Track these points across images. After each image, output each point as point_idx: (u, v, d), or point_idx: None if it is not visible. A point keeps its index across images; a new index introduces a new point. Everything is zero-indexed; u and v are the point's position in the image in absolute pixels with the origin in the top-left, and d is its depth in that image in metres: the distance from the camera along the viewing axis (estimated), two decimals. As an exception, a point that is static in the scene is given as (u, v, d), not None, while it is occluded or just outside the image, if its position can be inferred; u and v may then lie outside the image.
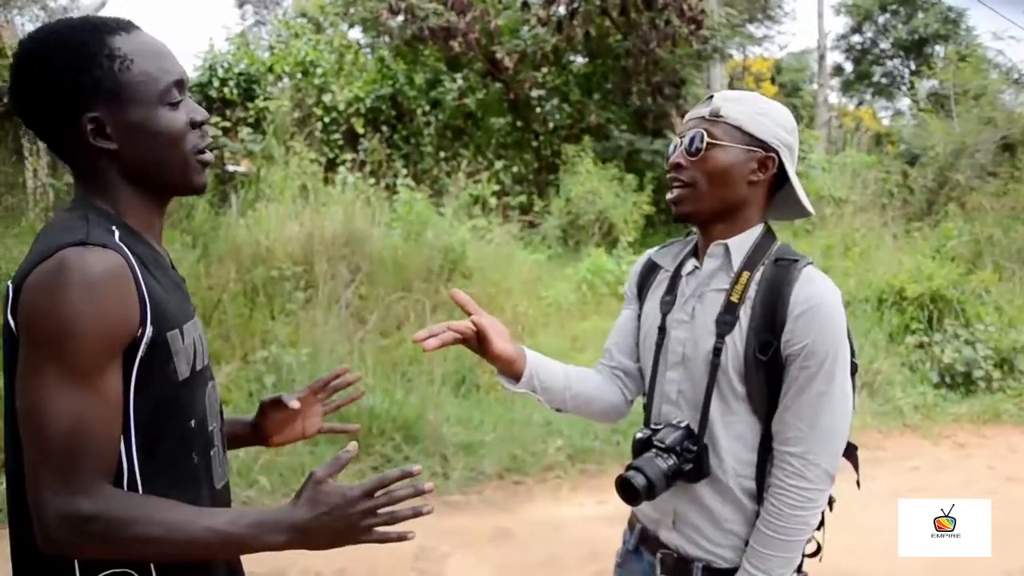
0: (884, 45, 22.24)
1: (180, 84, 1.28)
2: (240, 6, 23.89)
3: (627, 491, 1.60)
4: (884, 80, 22.88)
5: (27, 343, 1.14)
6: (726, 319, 1.62)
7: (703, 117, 1.65)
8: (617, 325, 1.93)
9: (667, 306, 1.74)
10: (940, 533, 1.58)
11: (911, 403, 6.53)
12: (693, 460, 1.61)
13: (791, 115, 1.71)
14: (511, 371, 1.69)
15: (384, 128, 10.58)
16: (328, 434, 1.78)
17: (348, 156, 9.91)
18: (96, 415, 1.13)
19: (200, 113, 1.32)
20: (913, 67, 20.97)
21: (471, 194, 9.30)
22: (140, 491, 1.21)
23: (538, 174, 11.20)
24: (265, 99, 9.84)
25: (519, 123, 11.28)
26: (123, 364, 1.18)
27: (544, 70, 11.04)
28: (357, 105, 10.29)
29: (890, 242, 9.30)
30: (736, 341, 1.60)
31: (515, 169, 10.81)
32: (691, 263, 1.74)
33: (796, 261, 1.60)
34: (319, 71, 10.47)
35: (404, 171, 9.72)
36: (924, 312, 7.37)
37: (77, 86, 1.21)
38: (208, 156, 1.34)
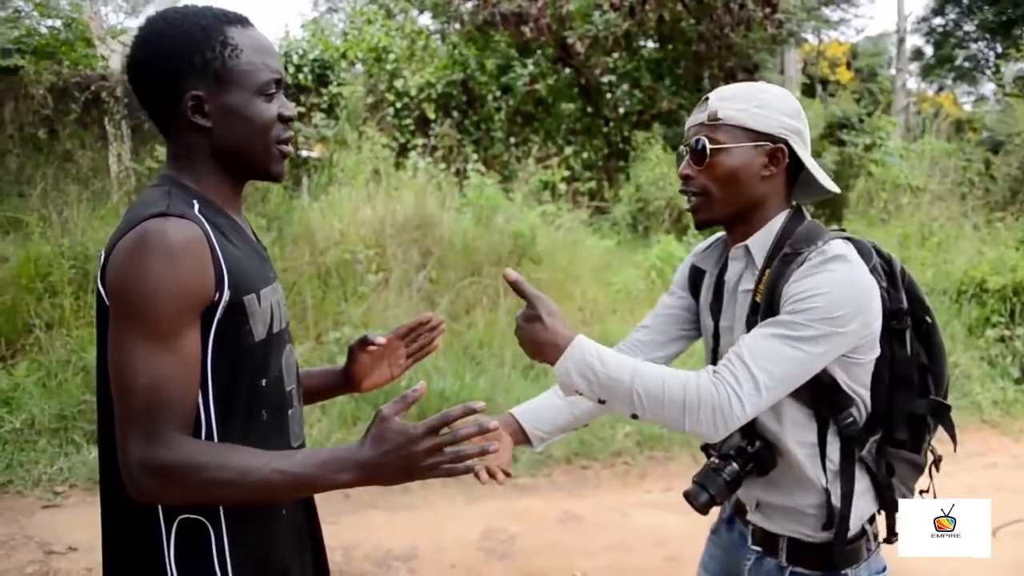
0: (968, 27, 21.45)
1: (278, 82, 1.39)
2: (313, -7, 24.22)
3: (694, 505, 1.63)
4: (967, 64, 22.09)
5: (114, 308, 1.24)
6: (752, 320, 1.60)
7: (702, 123, 1.62)
8: (657, 307, 1.92)
9: (716, 313, 1.74)
10: (940, 533, 1.56)
11: (990, 398, 6.35)
12: (753, 459, 1.62)
13: (793, 98, 1.67)
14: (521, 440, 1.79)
15: (455, 113, 10.64)
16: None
17: (419, 141, 10.00)
18: (174, 373, 1.22)
19: (290, 109, 1.41)
20: (999, 50, 20.19)
21: (541, 180, 9.30)
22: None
23: (608, 160, 11.14)
24: (338, 85, 9.97)
25: (589, 109, 11.22)
26: (202, 325, 1.26)
27: (615, 55, 10.95)
28: (428, 91, 10.36)
29: (970, 232, 9.02)
30: None
31: (585, 155, 10.77)
32: (731, 266, 1.72)
33: (800, 253, 1.54)
34: (391, 57, 10.56)
35: (474, 156, 9.77)
36: (1006, 305, 7.13)
37: (189, 64, 1.31)
38: (288, 148, 1.44)
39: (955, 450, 1.73)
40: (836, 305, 1.46)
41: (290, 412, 1.46)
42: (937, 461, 1.73)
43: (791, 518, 1.66)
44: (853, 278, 1.49)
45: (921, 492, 1.72)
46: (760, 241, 1.64)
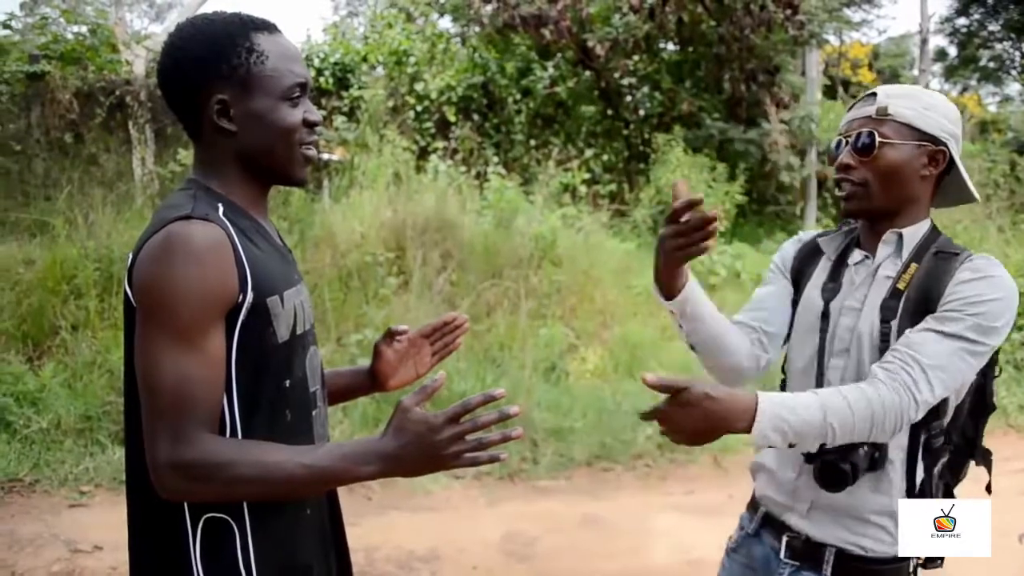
0: (993, 27, 21.21)
1: (303, 86, 1.40)
2: (334, -3, 24.36)
3: (832, 477, 1.57)
4: (992, 64, 21.84)
5: (140, 310, 1.26)
6: (890, 304, 1.61)
7: (870, 116, 1.64)
8: (761, 295, 1.88)
9: (830, 293, 1.73)
10: (940, 533, 1.54)
11: (1016, 403, 6.30)
12: (879, 447, 1.58)
13: (954, 106, 1.69)
14: (669, 287, 1.66)
15: (475, 116, 10.65)
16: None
17: (440, 144, 10.02)
18: (199, 373, 1.24)
19: (315, 114, 1.43)
20: (1025, 50, 19.97)
21: (561, 182, 9.30)
22: None
23: (628, 163, 11.11)
24: (359, 88, 10.03)
25: (609, 111, 11.20)
26: (226, 327, 1.28)
27: (635, 58, 10.93)
28: (449, 94, 10.38)
29: (995, 234, 8.93)
30: (894, 328, 1.60)
31: (605, 158, 10.75)
32: (858, 253, 1.73)
33: (957, 254, 1.59)
34: (411, 60, 10.59)
35: (495, 159, 9.78)
36: (1032, 308, 7.07)
37: (216, 69, 1.34)
38: (312, 152, 1.44)
39: (989, 494, 1.72)
40: (1000, 311, 1.52)
41: (314, 413, 1.47)
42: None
43: (845, 525, 1.63)
44: (1010, 284, 1.55)
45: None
46: (912, 234, 1.67)
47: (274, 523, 1.36)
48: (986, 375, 1.64)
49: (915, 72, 20.08)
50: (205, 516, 1.31)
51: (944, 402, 1.57)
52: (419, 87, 10.35)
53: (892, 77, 20.99)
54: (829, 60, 14.71)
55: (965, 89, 23.20)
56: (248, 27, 1.37)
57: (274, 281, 1.35)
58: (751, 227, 10.55)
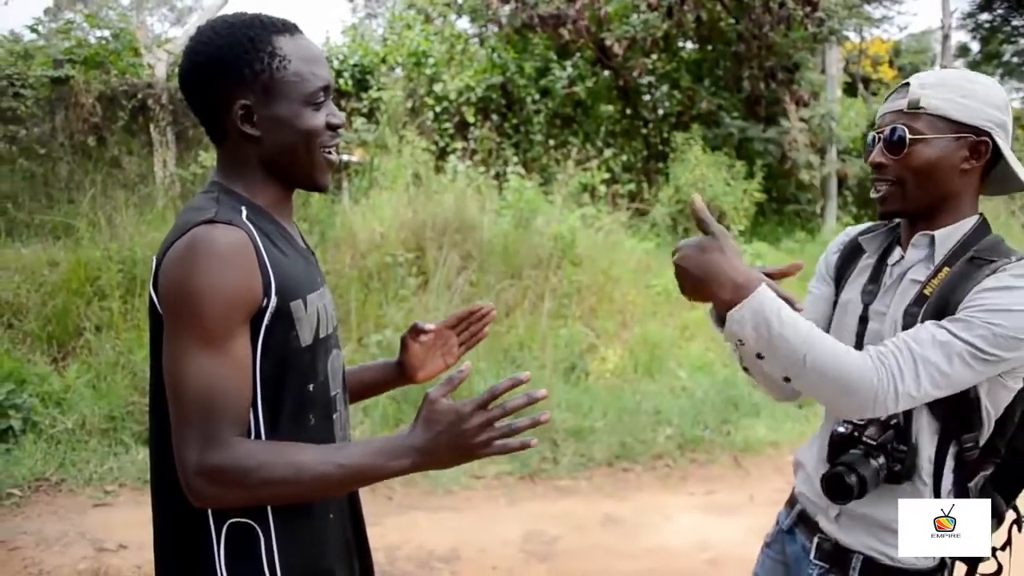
0: (1017, 22, 20.99)
1: (326, 89, 1.39)
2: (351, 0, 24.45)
3: (837, 489, 1.52)
4: (1016, 60, 21.61)
5: (166, 315, 1.26)
6: (912, 311, 1.52)
7: (901, 110, 1.54)
8: (810, 302, 1.80)
9: (869, 295, 1.65)
10: (940, 533, 1.52)
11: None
12: (902, 460, 1.53)
13: (1001, 89, 1.57)
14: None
15: (494, 117, 10.66)
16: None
17: (459, 145, 10.04)
18: (226, 376, 1.23)
19: (338, 117, 1.42)
20: (1050, 44, 19.75)
21: (580, 182, 9.29)
22: None
23: (647, 162, 11.09)
24: (378, 89, 10.06)
25: (628, 110, 11.18)
26: (251, 331, 1.28)
27: (654, 56, 10.91)
28: (468, 94, 10.40)
29: (1018, 231, 8.88)
30: None
31: (624, 157, 10.73)
32: (897, 252, 1.64)
33: (993, 261, 1.47)
34: (430, 61, 10.62)
35: (514, 159, 9.78)
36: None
37: (239, 75, 1.33)
38: (333, 157, 1.43)
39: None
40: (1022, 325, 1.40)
41: (335, 416, 1.47)
42: (1020, 520, 1.64)
43: (873, 533, 1.59)
44: None
45: (996, 550, 1.62)
46: (947, 235, 1.56)
47: (299, 527, 1.36)
48: None
49: (937, 68, 19.91)
50: (229, 521, 1.30)
51: (977, 413, 1.50)
52: (438, 88, 10.37)
53: (914, 74, 20.83)
54: (849, 57, 14.58)
55: (988, 85, 22.95)
56: (269, 30, 1.36)
57: (297, 285, 1.34)
58: (771, 226, 10.50)
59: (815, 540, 1.68)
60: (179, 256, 1.24)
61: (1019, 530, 1.65)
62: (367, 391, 1.80)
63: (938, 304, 1.48)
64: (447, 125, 10.32)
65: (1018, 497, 1.63)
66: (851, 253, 1.75)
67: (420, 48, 10.71)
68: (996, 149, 1.52)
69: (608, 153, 10.48)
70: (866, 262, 1.71)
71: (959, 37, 21.69)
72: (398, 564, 3.89)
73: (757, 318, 1.36)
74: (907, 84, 1.57)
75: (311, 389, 1.38)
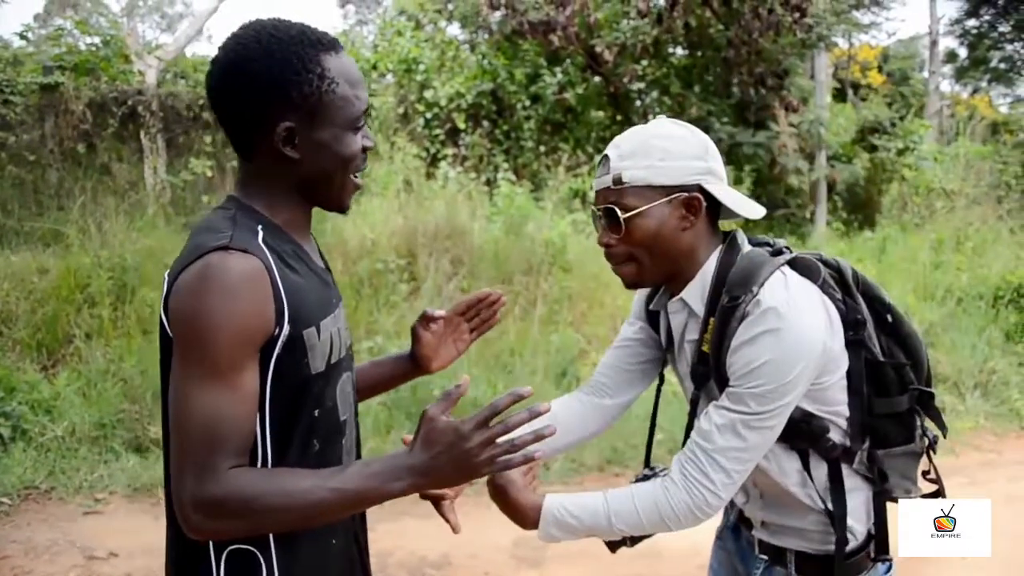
0: (1003, 28, 21.11)
1: (367, 112, 1.37)
2: (342, 6, 24.51)
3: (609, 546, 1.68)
4: (1003, 65, 21.73)
5: (176, 340, 1.23)
6: (700, 370, 1.57)
7: (609, 187, 1.55)
8: (615, 344, 1.86)
9: (674, 361, 1.73)
10: (940, 533, 1.55)
11: (1031, 405, 6.26)
12: None
13: (698, 134, 1.58)
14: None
15: (485, 123, 10.68)
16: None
17: (450, 151, 10.05)
18: (231, 410, 1.19)
19: (371, 140, 1.40)
20: (1036, 51, 19.87)
21: (571, 188, 9.30)
22: None
23: (637, 168, 11.10)
24: (369, 96, 10.06)
25: (619, 117, 11.21)
26: (261, 359, 1.24)
27: (644, 63, 10.93)
28: (458, 100, 10.41)
29: (1007, 236, 8.90)
30: (703, 396, 1.59)
31: (614, 163, 10.74)
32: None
33: (738, 302, 1.46)
34: (421, 67, 10.63)
35: (504, 165, 9.80)
36: (1045, 310, 7.05)
37: (285, 97, 1.28)
38: (360, 181, 1.41)
39: (944, 437, 1.70)
40: (785, 371, 1.41)
41: (343, 441, 1.43)
42: (932, 444, 1.68)
43: (796, 535, 1.66)
44: (793, 330, 1.42)
45: (924, 474, 1.70)
46: (696, 291, 1.57)
47: (301, 553, 1.33)
48: (860, 355, 1.55)
49: (925, 74, 20.02)
50: (229, 548, 1.28)
51: (815, 421, 1.53)
52: (429, 94, 10.38)
53: (902, 79, 20.94)
54: (838, 63, 14.68)
55: (976, 91, 23.13)
56: (317, 48, 1.30)
57: (311, 311, 1.30)
58: (760, 231, 10.52)
59: (756, 537, 1.74)
60: (192, 283, 1.20)
61: (934, 452, 1.69)
62: (381, 386, 1.78)
63: (716, 360, 1.51)
64: (438, 131, 10.33)
65: (915, 436, 1.67)
66: (652, 316, 1.78)
67: (411, 55, 10.72)
68: (710, 195, 1.54)
69: (599, 159, 10.48)
70: (664, 325, 1.74)
71: (947, 43, 21.83)
72: (389, 570, 3.89)
73: (559, 526, 1.52)
74: (607, 157, 1.58)
75: (317, 415, 1.34)
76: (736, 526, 1.84)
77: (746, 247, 1.60)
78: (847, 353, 1.54)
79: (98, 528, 4.21)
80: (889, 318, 1.61)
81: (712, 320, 1.51)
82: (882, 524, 1.62)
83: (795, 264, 1.56)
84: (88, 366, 5.44)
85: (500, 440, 1.19)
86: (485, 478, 1.26)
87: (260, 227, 1.30)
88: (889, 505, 1.65)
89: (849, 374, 1.55)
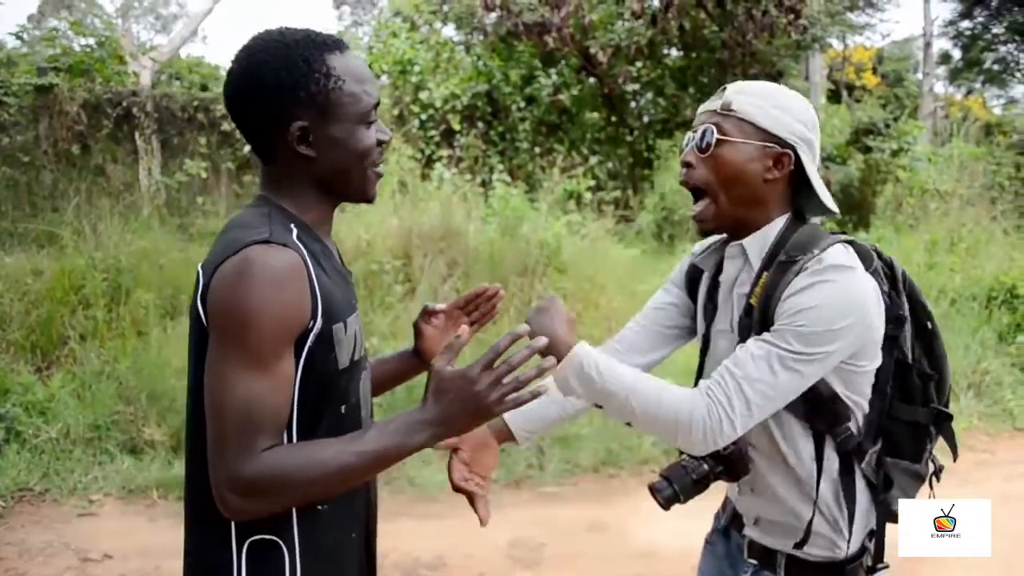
0: (997, 30, 21.19)
1: (376, 106, 1.41)
2: (337, 7, 24.52)
3: (657, 498, 1.67)
4: (996, 67, 21.80)
5: (214, 330, 1.26)
6: (745, 323, 1.56)
7: (714, 111, 1.57)
8: (648, 306, 1.89)
9: (709, 314, 1.71)
10: (940, 533, 1.55)
11: (1022, 405, 6.27)
12: (724, 463, 1.62)
13: (812, 109, 1.60)
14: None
15: (480, 124, 10.69)
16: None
17: (445, 152, 10.07)
18: (268, 396, 1.24)
19: (386, 134, 1.44)
20: (1029, 51, 19.95)
21: (566, 189, 9.31)
22: None
23: (632, 169, 11.13)
24: (365, 97, 10.05)
25: (613, 118, 11.23)
26: (294, 352, 1.29)
27: (639, 64, 10.96)
28: (453, 102, 10.42)
29: (1000, 237, 8.91)
30: None
31: (609, 164, 10.77)
32: (724, 267, 1.68)
33: (796, 260, 1.49)
34: (416, 69, 10.64)
35: (500, 166, 9.82)
36: (1038, 311, 7.06)
37: (295, 98, 1.33)
38: (380, 171, 1.46)
39: (955, 460, 1.69)
40: (833, 318, 1.42)
41: None
42: (938, 471, 1.69)
43: (789, 534, 1.64)
44: (850, 286, 1.45)
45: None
46: (757, 242, 1.59)
47: (322, 543, 1.37)
48: (892, 354, 1.57)
49: (919, 75, 20.08)
50: (251, 539, 1.31)
51: (840, 405, 1.53)
52: (424, 96, 10.39)
53: (897, 81, 21.03)
54: (833, 64, 14.73)
55: (970, 92, 23.21)
56: (322, 49, 1.35)
57: (340, 308, 1.35)
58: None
59: (746, 540, 1.74)
60: (234, 275, 1.24)
61: (938, 480, 1.68)
62: (388, 383, 1.81)
63: (762, 311, 1.51)
64: (433, 133, 10.34)
65: (924, 456, 1.66)
66: (694, 275, 1.80)
67: (406, 56, 10.73)
68: (800, 166, 1.55)
69: (593, 160, 10.52)
70: (705, 282, 1.75)
71: (941, 44, 21.94)
72: (384, 571, 3.88)
73: (579, 374, 1.50)
74: (725, 88, 1.60)
75: (343, 411, 1.39)
76: (727, 529, 1.84)
77: (811, 223, 1.62)
78: (882, 348, 1.55)
79: (92, 530, 4.20)
80: (929, 325, 1.62)
81: (764, 275, 1.53)
82: (881, 533, 1.62)
83: (853, 246, 1.57)
84: (82, 368, 5.43)
85: (506, 380, 1.25)
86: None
87: (293, 225, 1.35)
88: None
89: (877, 371, 1.56)
